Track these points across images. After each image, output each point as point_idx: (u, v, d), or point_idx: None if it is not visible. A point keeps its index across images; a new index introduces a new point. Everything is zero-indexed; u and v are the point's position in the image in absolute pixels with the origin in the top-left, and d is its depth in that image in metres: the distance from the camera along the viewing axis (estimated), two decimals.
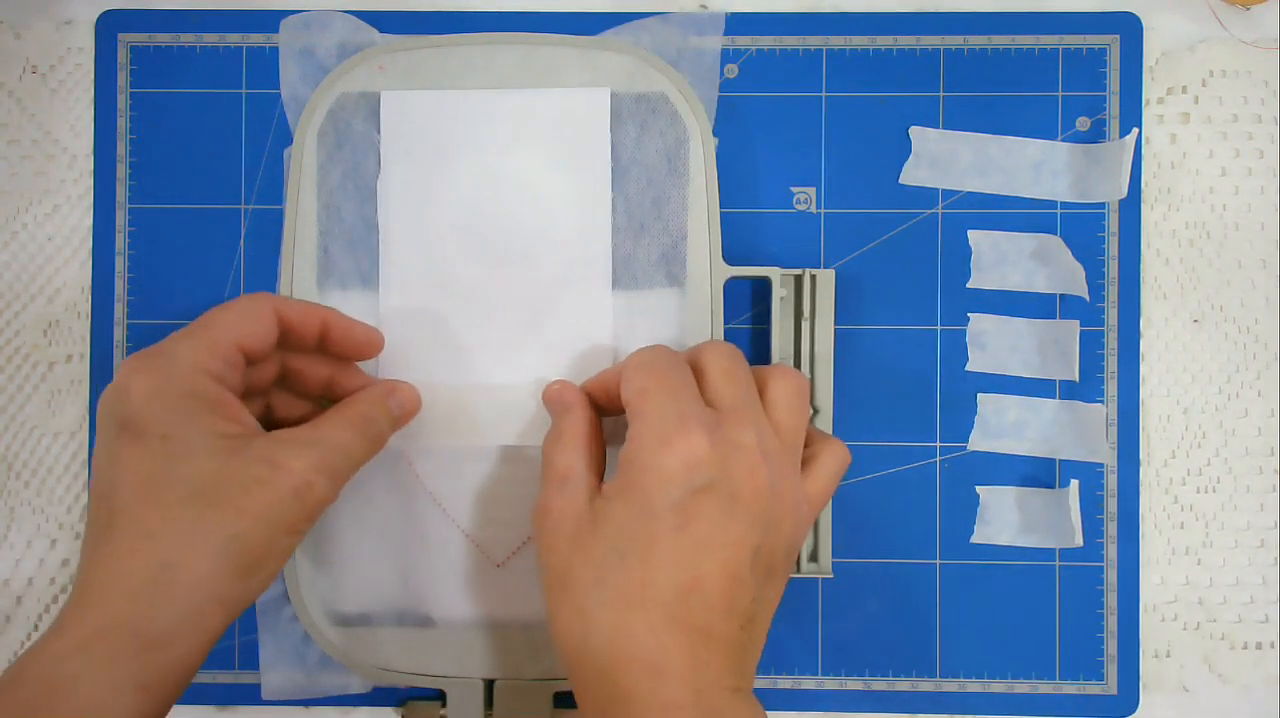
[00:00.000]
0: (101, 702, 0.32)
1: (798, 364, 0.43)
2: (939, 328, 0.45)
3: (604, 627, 0.34)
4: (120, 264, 0.45)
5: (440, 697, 0.44)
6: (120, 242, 0.45)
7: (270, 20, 0.44)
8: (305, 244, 0.43)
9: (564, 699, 0.43)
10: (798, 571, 0.42)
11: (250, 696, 0.45)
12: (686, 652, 0.33)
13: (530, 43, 0.43)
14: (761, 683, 0.44)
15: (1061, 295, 0.44)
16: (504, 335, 0.43)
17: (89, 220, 0.45)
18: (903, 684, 0.44)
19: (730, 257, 0.44)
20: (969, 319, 0.44)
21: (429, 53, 0.43)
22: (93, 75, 0.45)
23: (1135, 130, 0.43)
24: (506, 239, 0.43)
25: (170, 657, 0.33)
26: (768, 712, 0.35)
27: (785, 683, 0.44)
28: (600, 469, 0.39)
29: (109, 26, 0.45)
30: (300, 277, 0.43)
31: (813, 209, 0.45)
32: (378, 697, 0.45)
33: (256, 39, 0.45)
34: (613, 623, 0.34)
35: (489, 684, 0.43)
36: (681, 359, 0.38)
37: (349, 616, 0.43)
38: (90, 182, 0.45)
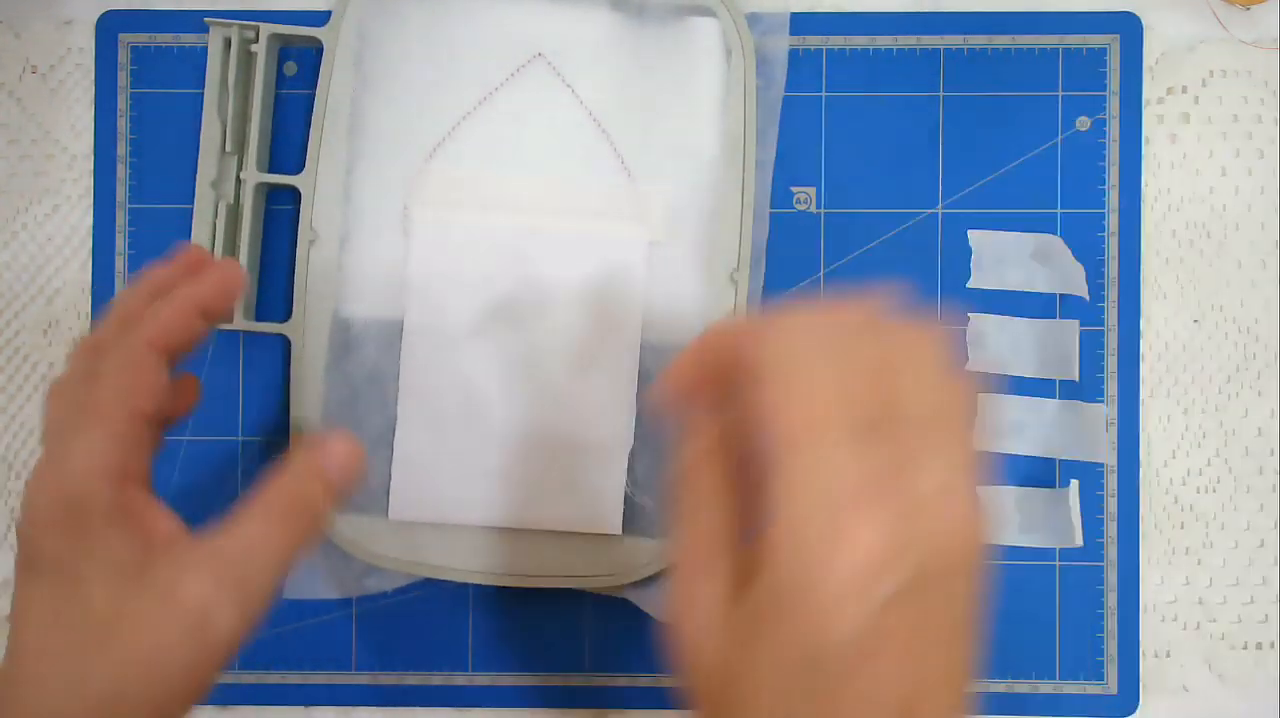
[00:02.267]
0: None
1: None
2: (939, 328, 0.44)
3: None
4: (120, 264, 0.45)
5: None
6: (120, 242, 0.45)
7: (271, 20, 0.44)
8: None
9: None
10: None
11: (251, 695, 0.45)
12: None
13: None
14: None
15: (1061, 295, 0.44)
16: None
17: (89, 220, 0.45)
18: None
19: None
20: (969, 319, 0.44)
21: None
22: (93, 75, 0.45)
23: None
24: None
25: None
26: None
27: None
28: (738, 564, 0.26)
29: (109, 26, 0.45)
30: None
31: (813, 209, 0.45)
32: (380, 694, 0.45)
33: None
34: None
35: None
36: (845, 335, 0.25)
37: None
38: (90, 181, 0.45)
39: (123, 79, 0.45)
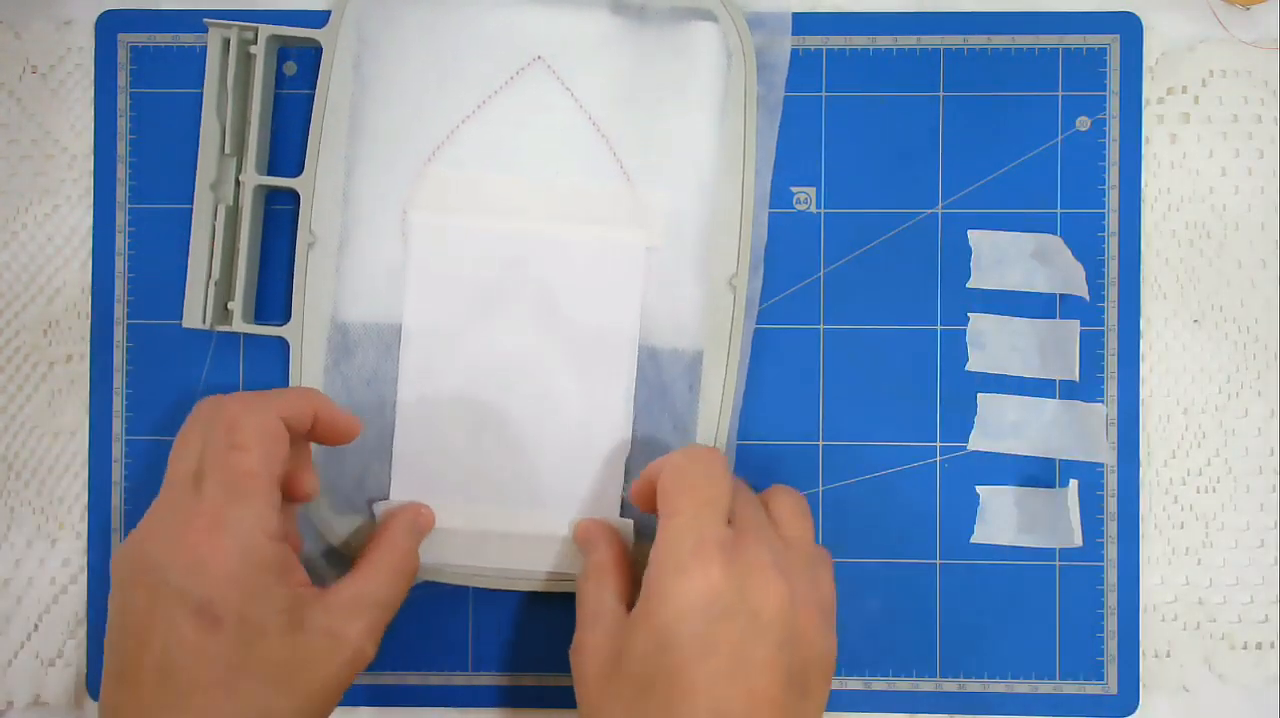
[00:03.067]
0: None
1: None
2: (939, 328, 0.45)
3: None
4: (120, 264, 0.45)
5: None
6: (120, 242, 0.45)
7: (269, 20, 0.44)
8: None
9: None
10: None
11: None
12: None
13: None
14: None
15: (1061, 295, 0.44)
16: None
17: (89, 220, 0.45)
18: (903, 684, 0.44)
19: None
20: (969, 319, 0.44)
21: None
22: (93, 75, 0.45)
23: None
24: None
25: None
26: None
27: None
28: (632, 600, 0.38)
29: (109, 26, 0.45)
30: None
31: (813, 209, 0.45)
32: (381, 694, 0.45)
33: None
34: None
35: None
36: (717, 468, 0.38)
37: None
38: (90, 181, 0.45)
39: (123, 79, 0.45)
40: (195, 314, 0.43)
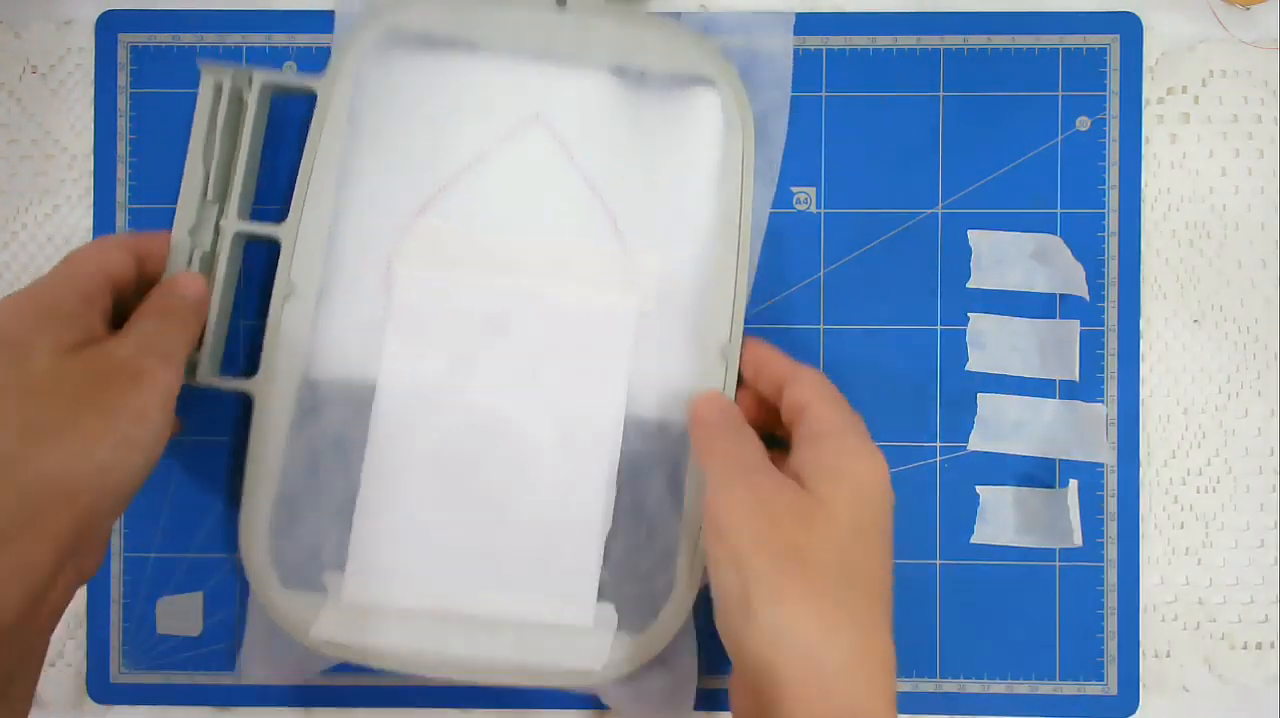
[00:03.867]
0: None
1: None
2: (939, 328, 0.45)
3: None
4: None
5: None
6: None
7: (270, 20, 0.44)
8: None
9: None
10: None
11: (251, 696, 0.45)
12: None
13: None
14: None
15: (1061, 295, 0.44)
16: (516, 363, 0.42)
17: (89, 220, 0.45)
18: (903, 685, 0.44)
19: None
20: (969, 319, 0.44)
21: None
22: (93, 75, 0.45)
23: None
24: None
25: None
26: None
27: None
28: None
29: (109, 26, 0.45)
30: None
31: (813, 209, 0.45)
32: (381, 695, 0.45)
33: (256, 39, 0.45)
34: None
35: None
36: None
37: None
38: (90, 182, 0.45)
39: (123, 79, 0.45)
40: None
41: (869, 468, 0.37)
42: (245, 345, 0.44)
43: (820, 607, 0.34)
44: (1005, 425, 0.44)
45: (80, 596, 0.45)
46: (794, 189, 0.45)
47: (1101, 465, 0.44)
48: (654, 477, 0.42)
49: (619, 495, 0.42)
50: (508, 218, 0.42)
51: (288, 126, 0.44)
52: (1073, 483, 0.43)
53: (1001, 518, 0.44)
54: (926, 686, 0.44)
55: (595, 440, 0.41)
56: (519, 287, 0.42)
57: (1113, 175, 0.44)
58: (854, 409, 0.39)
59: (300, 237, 0.42)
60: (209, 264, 0.42)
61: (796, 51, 0.45)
